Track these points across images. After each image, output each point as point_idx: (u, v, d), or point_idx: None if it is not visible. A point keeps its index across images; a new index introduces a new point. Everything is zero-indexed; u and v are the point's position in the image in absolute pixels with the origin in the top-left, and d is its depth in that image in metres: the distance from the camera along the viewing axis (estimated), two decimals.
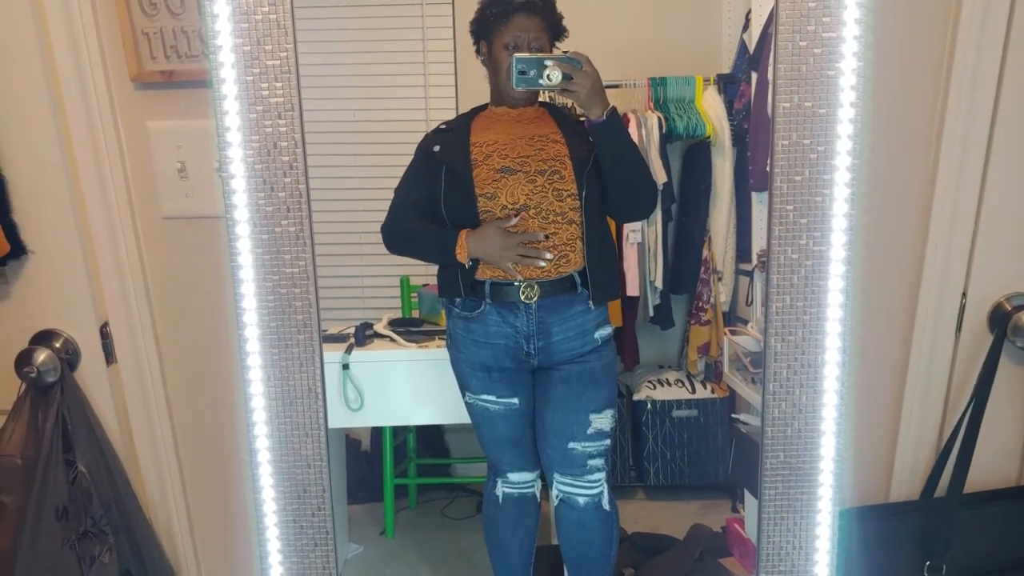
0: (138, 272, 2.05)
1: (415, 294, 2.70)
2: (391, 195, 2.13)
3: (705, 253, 2.85)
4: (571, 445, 2.05)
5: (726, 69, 2.83)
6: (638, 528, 2.73)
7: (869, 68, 1.57)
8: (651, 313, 2.85)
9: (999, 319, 1.98)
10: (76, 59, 1.90)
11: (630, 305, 2.83)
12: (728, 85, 2.81)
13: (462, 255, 1.98)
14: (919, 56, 1.92)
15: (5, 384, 1.99)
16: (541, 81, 1.84)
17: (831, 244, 1.61)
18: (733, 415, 2.67)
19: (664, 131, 2.75)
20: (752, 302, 2.59)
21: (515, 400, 2.10)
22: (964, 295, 1.99)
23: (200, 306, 2.08)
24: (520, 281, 1.99)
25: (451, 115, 2.26)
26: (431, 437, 3.12)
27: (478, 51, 2.12)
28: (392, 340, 2.48)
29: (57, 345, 2.01)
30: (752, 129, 2.57)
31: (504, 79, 1.99)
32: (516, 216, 1.97)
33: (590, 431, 2.05)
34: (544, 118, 2.09)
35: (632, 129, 2.69)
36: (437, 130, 2.14)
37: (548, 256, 1.97)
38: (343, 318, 2.58)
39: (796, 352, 1.66)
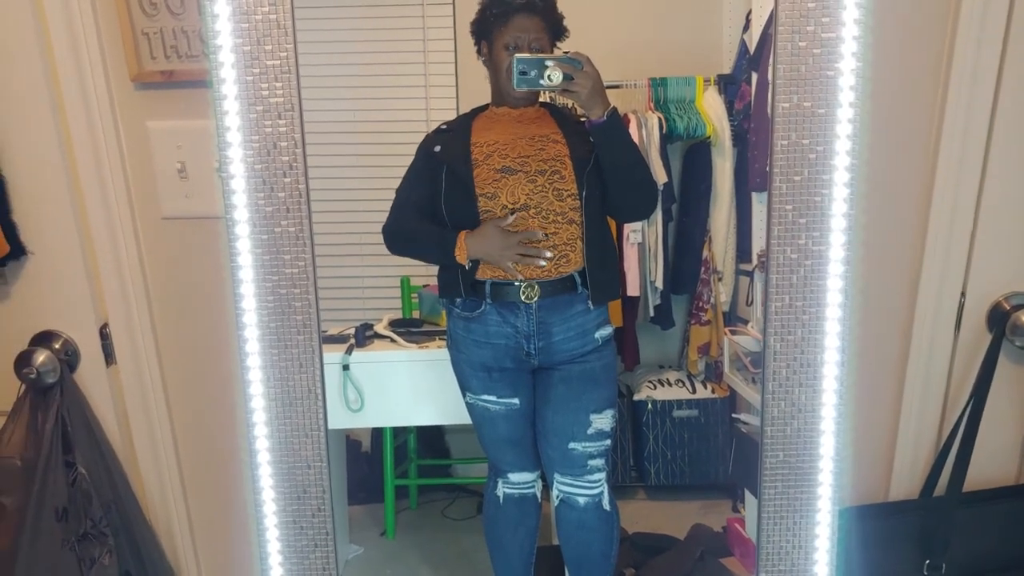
0: (138, 273, 2.05)
1: (415, 295, 2.70)
2: (391, 196, 2.14)
3: (705, 253, 2.85)
4: (571, 445, 2.05)
5: (726, 69, 2.83)
6: (639, 528, 2.73)
7: (868, 68, 1.57)
8: (651, 313, 2.85)
9: (998, 318, 1.98)
10: (76, 59, 1.90)
11: (630, 305, 2.83)
12: (728, 85, 2.81)
13: (461, 256, 1.98)
14: (918, 56, 1.92)
15: (5, 385, 1.99)
16: (542, 81, 1.84)
17: (830, 244, 1.62)
18: (733, 415, 2.67)
19: (664, 131, 2.75)
20: (752, 302, 2.59)
21: (515, 400, 2.10)
22: (963, 294, 1.99)
23: (200, 307, 2.08)
24: (520, 281, 1.99)
25: (451, 115, 2.26)
26: (432, 438, 3.12)
27: (479, 52, 2.12)
28: (392, 341, 2.48)
29: (57, 346, 2.01)
30: (753, 129, 2.57)
31: (505, 79, 2.00)
32: (512, 215, 1.97)
33: (590, 431, 2.05)
34: (545, 118, 2.09)
35: (632, 129, 2.69)
36: (438, 130, 2.14)
37: (548, 254, 1.97)
38: (343, 319, 2.58)
39: (795, 352, 1.66)
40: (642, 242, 2.75)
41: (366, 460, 3.06)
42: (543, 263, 1.97)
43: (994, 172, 1.92)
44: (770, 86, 1.62)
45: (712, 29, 2.84)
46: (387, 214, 2.13)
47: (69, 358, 2.02)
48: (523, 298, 2.00)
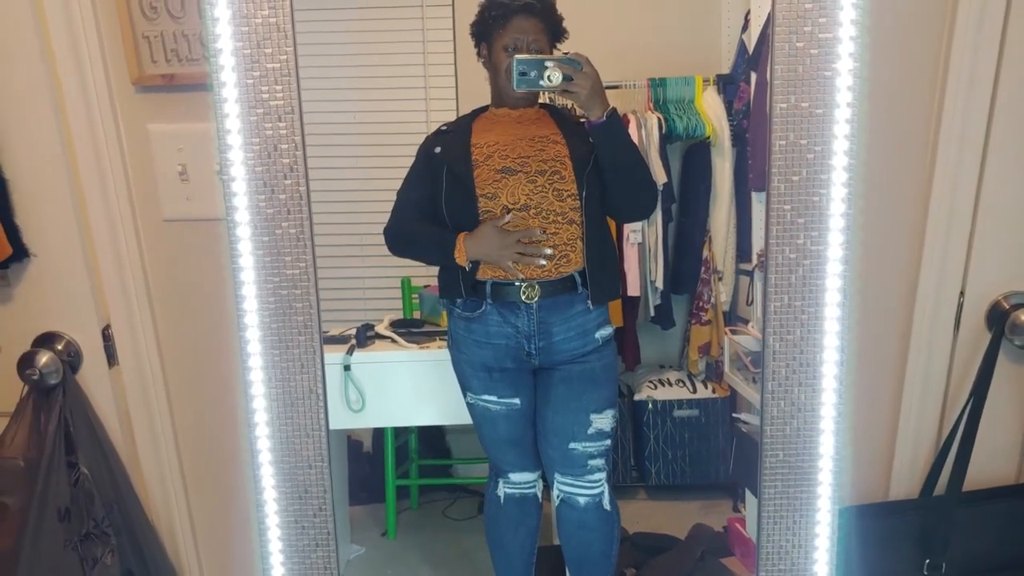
0: (139, 274, 2.05)
1: (416, 295, 2.71)
2: (392, 197, 2.14)
3: (705, 253, 2.85)
4: (572, 445, 2.06)
5: (725, 70, 2.83)
6: (639, 528, 2.73)
7: (865, 68, 1.58)
8: (652, 313, 2.85)
9: (997, 317, 1.98)
10: (77, 62, 1.91)
11: (631, 305, 2.83)
12: (728, 86, 2.81)
13: (461, 258, 1.99)
14: (915, 56, 1.92)
15: (7, 386, 1.99)
16: (541, 82, 1.85)
17: (828, 243, 1.62)
18: (734, 414, 2.67)
19: (664, 132, 2.75)
20: (752, 302, 2.60)
21: (516, 400, 2.11)
22: (962, 294, 1.99)
23: (201, 308, 2.09)
24: (521, 281, 1.99)
25: (451, 117, 2.27)
26: (432, 438, 3.12)
27: (478, 53, 2.13)
28: (393, 341, 2.48)
29: (59, 347, 2.01)
30: (752, 129, 2.57)
31: (504, 80, 2.00)
32: (508, 213, 1.98)
33: (591, 431, 2.05)
34: (544, 119, 2.10)
35: (632, 130, 2.69)
36: (438, 131, 2.14)
37: (548, 252, 1.97)
38: (344, 319, 2.58)
39: (794, 351, 1.67)
40: (642, 242, 2.76)
41: (367, 460, 3.07)
42: (543, 262, 1.98)
43: (992, 171, 1.92)
44: (768, 86, 1.62)
45: (711, 29, 2.84)
46: (388, 215, 2.13)
47: (71, 359, 2.03)
48: (523, 298, 2.00)
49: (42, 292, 2.02)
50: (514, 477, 2.22)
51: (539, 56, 1.93)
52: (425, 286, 2.67)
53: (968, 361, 2.02)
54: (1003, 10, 1.84)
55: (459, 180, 2.02)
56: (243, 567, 2.14)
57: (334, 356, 2.37)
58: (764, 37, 2.36)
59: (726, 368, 2.60)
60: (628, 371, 3.01)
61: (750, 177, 2.58)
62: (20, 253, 1.97)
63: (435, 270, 2.13)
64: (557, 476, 2.11)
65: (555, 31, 2.07)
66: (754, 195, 2.53)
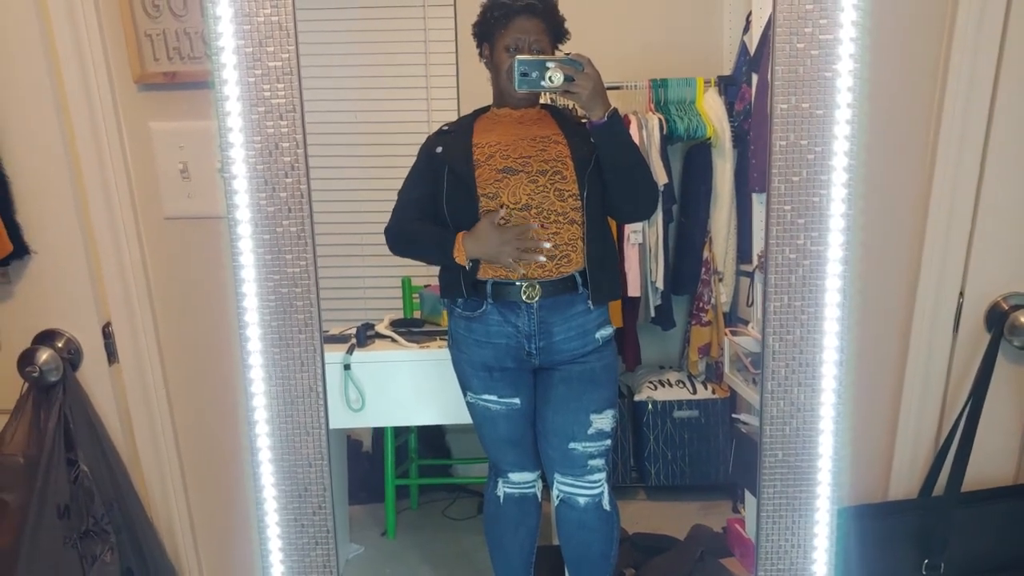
0: (140, 272, 2.05)
1: (416, 295, 2.71)
2: (393, 196, 2.14)
3: (706, 254, 2.86)
4: (572, 445, 2.06)
5: (727, 71, 2.84)
6: (639, 528, 2.73)
7: (866, 69, 1.58)
8: (652, 314, 2.86)
9: (996, 318, 1.98)
10: (79, 60, 1.91)
11: (631, 306, 2.83)
12: (729, 87, 2.81)
13: (460, 258, 1.99)
14: (916, 57, 1.92)
15: (8, 383, 1.99)
16: (543, 83, 1.85)
17: (828, 244, 1.62)
18: (733, 415, 2.68)
19: (665, 132, 2.76)
20: (753, 303, 2.60)
21: (516, 400, 2.11)
22: (961, 295, 2.00)
23: (202, 306, 2.09)
24: (521, 281, 2.00)
25: (453, 116, 2.27)
26: (432, 438, 3.13)
27: (480, 53, 2.13)
28: (393, 340, 2.48)
29: (59, 345, 2.02)
30: (753, 130, 2.58)
31: (506, 81, 2.00)
32: (503, 208, 1.98)
33: (591, 431, 2.05)
34: (546, 119, 2.10)
35: (633, 130, 2.70)
36: (439, 131, 2.15)
37: (546, 244, 1.97)
38: (345, 319, 2.59)
39: (794, 351, 1.67)
40: (643, 243, 2.76)
41: (367, 460, 3.07)
42: (543, 257, 1.98)
43: (992, 172, 1.92)
44: (769, 87, 1.62)
45: (712, 31, 2.84)
46: (389, 215, 2.13)
47: (72, 357, 2.03)
48: (524, 298, 2.00)
49: (43, 289, 2.02)
50: (514, 477, 2.22)
51: (541, 57, 1.93)
52: (425, 286, 2.68)
53: (967, 362, 2.03)
54: (1003, 11, 1.84)
55: (460, 180, 2.02)
56: (242, 565, 2.14)
57: (334, 355, 2.38)
58: (765, 38, 2.36)
59: (726, 369, 2.60)
60: (628, 372, 3.02)
61: (751, 178, 2.58)
62: (21, 250, 1.97)
63: (435, 270, 2.13)
64: (557, 476, 2.11)
65: (557, 32, 2.07)
66: (755, 196, 2.54)
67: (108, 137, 1.97)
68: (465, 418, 2.22)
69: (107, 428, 2.08)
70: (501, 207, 1.99)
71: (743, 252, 2.78)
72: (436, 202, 2.07)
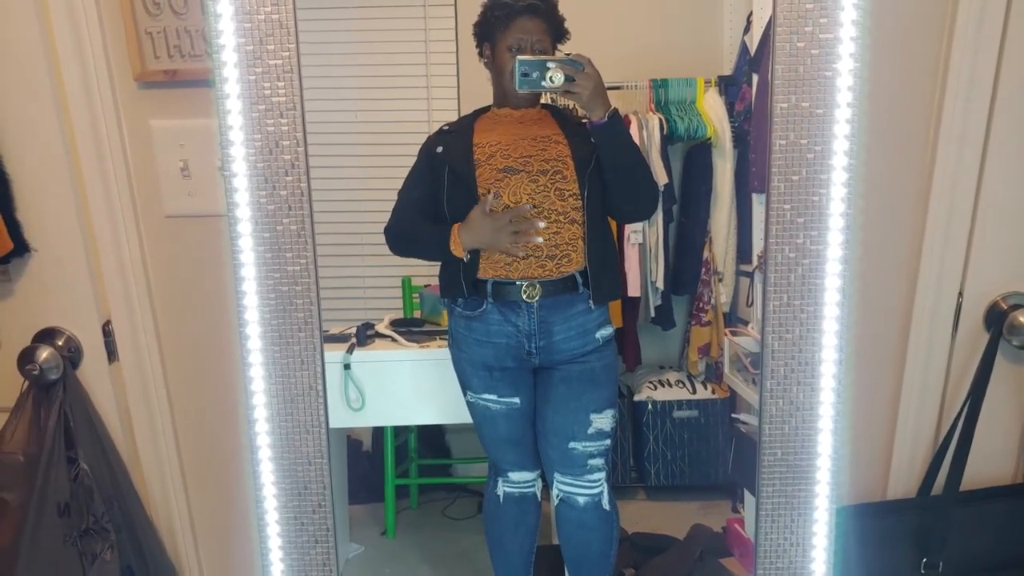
0: (140, 270, 2.06)
1: (416, 294, 2.71)
2: (393, 196, 2.14)
3: (706, 254, 2.86)
4: (571, 445, 2.06)
5: (727, 71, 2.84)
6: (639, 528, 2.73)
7: (866, 69, 1.58)
8: (652, 314, 2.86)
9: (995, 318, 1.99)
10: (80, 58, 1.91)
11: (631, 306, 2.83)
12: (729, 87, 2.82)
13: (457, 250, 1.99)
14: (916, 56, 1.93)
15: (8, 382, 2.00)
16: (543, 83, 1.85)
17: (828, 243, 1.62)
18: (733, 415, 2.68)
19: (665, 132, 2.76)
20: (752, 303, 2.60)
21: (516, 399, 2.11)
22: (960, 294, 2.00)
23: (202, 304, 2.09)
24: (522, 280, 2.00)
25: (453, 116, 2.28)
26: (432, 437, 3.13)
27: (481, 53, 2.13)
28: (393, 340, 2.49)
29: (59, 343, 2.02)
30: (753, 131, 2.58)
31: (507, 81, 2.00)
32: (491, 195, 1.98)
33: (590, 431, 2.05)
34: (546, 119, 2.10)
35: (633, 130, 2.70)
36: (440, 131, 2.15)
37: (541, 225, 1.97)
38: (345, 319, 2.59)
39: (793, 350, 1.67)
40: (643, 243, 2.76)
41: (367, 459, 3.08)
42: (539, 239, 1.97)
43: (992, 172, 1.93)
44: (769, 86, 1.62)
45: (713, 31, 2.84)
46: (389, 215, 2.13)
47: (72, 355, 2.03)
48: (524, 297, 2.00)
49: (43, 287, 2.02)
50: (513, 476, 2.22)
51: (541, 57, 1.93)
52: (425, 285, 2.68)
53: (966, 361, 2.03)
54: (1003, 10, 1.84)
55: (461, 179, 2.02)
56: (242, 563, 2.14)
57: (334, 355, 2.38)
58: (766, 38, 2.36)
59: (726, 369, 2.60)
60: (628, 372, 3.02)
61: (751, 179, 2.58)
62: (21, 248, 1.98)
63: (435, 270, 2.13)
64: (556, 476, 2.11)
65: (558, 32, 2.07)
66: (755, 196, 2.54)
67: (108, 135, 1.97)
68: (465, 418, 2.22)
69: (107, 426, 2.08)
70: (488, 193, 1.99)
71: (743, 252, 2.78)
72: (436, 202, 2.07)
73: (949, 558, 1.97)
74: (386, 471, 2.84)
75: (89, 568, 1.99)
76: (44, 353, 1.98)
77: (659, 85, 2.81)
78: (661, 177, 2.70)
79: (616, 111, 1.95)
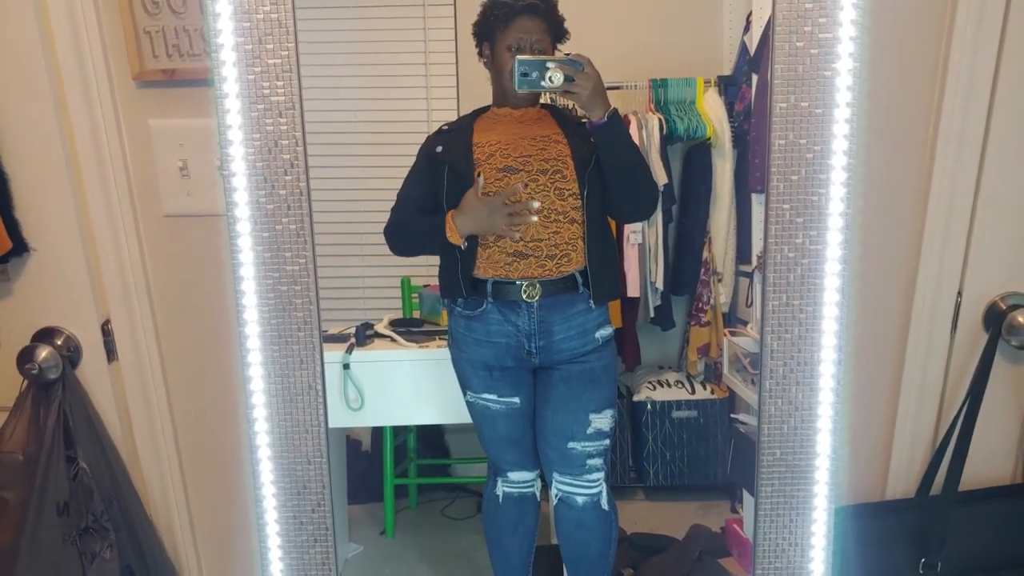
0: (139, 270, 2.06)
1: (416, 294, 2.71)
2: (392, 196, 2.14)
3: (705, 254, 2.86)
4: (571, 445, 2.06)
5: (727, 71, 2.84)
6: (637, 528, 2.73)
7: (865, 68, 1.58)
8: (651, 314, 2.86)
9: (994, 318, 1.99)
10: (79, 57, 1.91)
11: (631, 306, 2.84)
12: (729, 87, 2.82)
13: (453, 236, 1.99)
14: (915, 56, 1.93)
15: (7, 381, 1.99)
16: (543, 83, 1.85)
17: (827, 243, 1.62)
18: (732, 415, 2.67)
19: (665, 132, 2.76)
20: (752, 303, 2.60)
21: (516, 399, 2.11)
22: (959, 294, 2.00)
23: (201, 303, 2.09)
24: (522, 280, 2.00)
25: (452, 116, 2.28)
26: (431, 437, 3.13)
27: (480, 53, 2.13)
28: (393, 340, 2.49)
29: (59, 342, 2.02)
30: (753, 131, 2.58)
31: (506, 80, 2.00)
32: (480, 177, 1.98)
33: (590, 431, 2.05)
34: (546, 119, 2.10)
35: (633, 130, 2.70)
36: (439, 131, 2.15)
37: (535, 204, 1.96)
38: (344, 318, 2.59)
39: (792, 350, 1.67)
40: (642, 243, 2.76)
41: (366, 459, 3.08)
42: (534, 218, 1.97)
43: (991, 172, 1.92)
44: (768, 86, 1.62)
45: (713, 31, 2.85)
46: (388, 214, 2.13)
47: (71, 354, 2.03)
48: (524, 297, 2.00)
49: (42, 287, 2.02)
50: (513, 476, 2.22)
51: (541, 57, 1.93)
52: (425, 285, 2.68)
53: (965, 361, 2.03)
54: (1002, 10, 1.84)
55: (461, 179, 2.02)
56: (242, 562, 2.15)
57: (333, 355, 2.38)
58: (766, 38, 2.35)
59: (725, 370, 2.60)
60: (628, 372, 3.02)
61: (751, 179, 2.58)
62: (20, 248, 1.98)
63: (435, 270, 2.13)
64: (555, 475, 2.11)
65: (557, 31, 2.07)
66: (754, 197, 2.53)
67: (107, 134, 1.97)
68: (464, 418, 2.22)
69: (106, 425, 2.08)
70: (479, 175, 1.99)
71: (742, 253, 2.78)
72: (436, 201, 2.07)
73: (948, 558, 1.97)
74: (385, 471, 2.84)
75: (88, 567, 2.00)
76: (43, 352, 1.98)
77: (659, 85, 2.81)
78: (661, 177, 2.70)
79: (616, 111, 1.95)
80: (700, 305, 2.88)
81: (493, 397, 2.11)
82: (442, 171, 2.05)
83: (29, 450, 1.96)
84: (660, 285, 2.81)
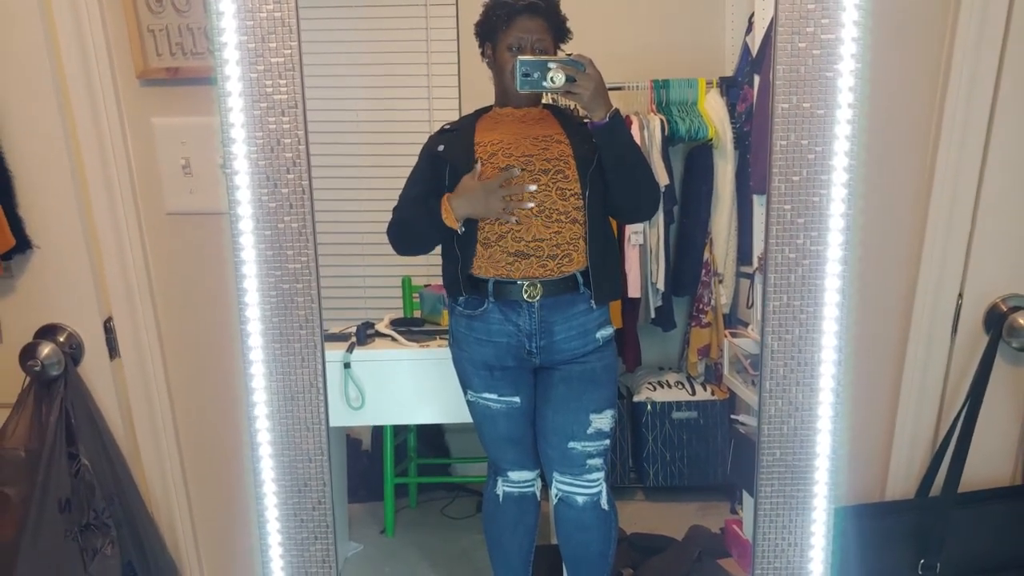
0: (142, 267, 2.06)
1: (417, 294, 2.72)
2: (394, 195, 2.14)
3: (706, 255, 2.86)
4: (571, 444, 2.06)
5: (729, 72, 2.85)
6: (637, 529, 2.74)
7: (867, 69, 1.58)
8: (652, 315, 2.86)
9: (995, 320, 1.99)
10: (82, 56, 1.91)
11: (631, 307, 2.84)
12: (731, 88, 2.82)
13: (450, 219, 1.99)
14: (917, 57, 1.93)
15: (9, 378, 2.00)
16: (545, 83, 1.85)
17: (828, 244, 1.62)
18: (732, 416, 2.68)
19: (666, 133, 2.77)
20: (752, 305, 2.60)
21: (516, 399, 2.11)
22: (960, 296, 2.00)
23: (203, 301, 2.09)
24: (523, 280, 2.00)
25: (454, 115, 2.28)
26: (431, 436, 3.14)
27: (483, 53, 2.13)
28: (393, 339, 2.49)
29: (61, 339, 2.02)
30: (754, 132, 2.58)
31: (508, 81, 2.00)
32: (478, 162, 1.99)
33: (590, 431, 2.05)
34: (548, 119, 2.11)
35: (635, 131, 2.71)
36: (441, 131, 2.15)
37: (532, 188, 1.97)
38: (345, 318, 2.60)
39: (792, 351, 1.67)
40: (643, 244, 2.77)
41: (366, 458, 3.08)
42: (530, 204, 1.97)
43: (992, 173, 1.92)
44: (770, 87, 1.63)
45: (714, 32, 2.85)
46: (390, 214, 2.13)
47: (73, 351, 2.03)
48: (525, 297, 2.01)
49: (44, 284, 2.03)
50: (513, 476, 2.22)
51: (543, 57, 1.93)
52: (426, 285, 2.68)
53: (965, 363, 2.03)
54: (1005, 11, 1.84)
55: (462, 178, 2.02)
56: (242, 560, 2.15)
57: (334, 354, 2.38)
58: (768, 39, 2.36)
59: (725, 371, 2.60)
60: (628, 372, 3.02)
61: (752, 180, 2.59)
62: (23, 245, 1.98)
63: (436, 269, 2.13)
64: (556, 475, 2.11)
65: (559, 31, 2.07)
66: (755, 198, 2.54)
67: (110, 132, 1.97)
68: (464, 417, 2.22)
69: (108, 422, 2.08)
70: (477, 161, 2.00)
71: (743, 254, 2.78)
72: (438, 199, 2.07)
73: (947, 559, 1.96)
74: (385, 470, 2.85)
75: (90, 563, 2.00)
76: (46, 349, 1.98)
77: (660, 86, 2.81)
78: (662, 178, 2.71)
79: (617, 112, 1.95)
80: (701, 306, 2.88)
81: (494, 396, 2.11)
82: (444, 170, 2.05)
83: (31, 446, 1.96)
84: (661, 286, 2.82)
